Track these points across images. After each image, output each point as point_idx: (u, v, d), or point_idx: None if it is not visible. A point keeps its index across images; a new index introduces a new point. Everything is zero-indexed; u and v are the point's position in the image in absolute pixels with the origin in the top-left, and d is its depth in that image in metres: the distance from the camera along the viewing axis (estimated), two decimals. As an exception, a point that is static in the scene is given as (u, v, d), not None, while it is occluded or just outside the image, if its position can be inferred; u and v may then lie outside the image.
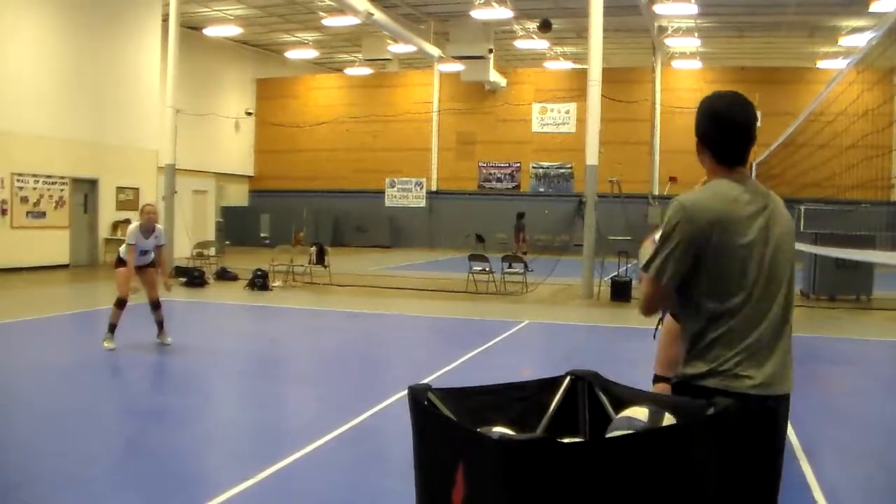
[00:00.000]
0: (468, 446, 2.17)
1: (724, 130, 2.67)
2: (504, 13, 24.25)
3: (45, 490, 4.70)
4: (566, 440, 2.33)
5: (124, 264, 9.20)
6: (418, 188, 33.13)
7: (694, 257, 2.54)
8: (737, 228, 2.54)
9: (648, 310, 2.73)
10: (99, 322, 12.56)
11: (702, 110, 2.73)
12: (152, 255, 9.38)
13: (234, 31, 28.94)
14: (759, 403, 2.50)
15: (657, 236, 2.68)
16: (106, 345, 9.00)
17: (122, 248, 9.26)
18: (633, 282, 15.21)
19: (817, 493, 4.83)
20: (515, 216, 28.35)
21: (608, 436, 2.39)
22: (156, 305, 9.36)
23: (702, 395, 2.44)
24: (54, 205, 19.73)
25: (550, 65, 32.83)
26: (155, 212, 9.53)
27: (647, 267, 2.62)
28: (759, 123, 2.75)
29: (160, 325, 9.40)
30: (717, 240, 2.52)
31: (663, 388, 3.01)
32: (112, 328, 9.07)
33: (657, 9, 23.35)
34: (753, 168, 18.59)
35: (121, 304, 9.07)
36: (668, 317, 3.07)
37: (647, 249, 4.01)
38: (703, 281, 2.55)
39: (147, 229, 9.17)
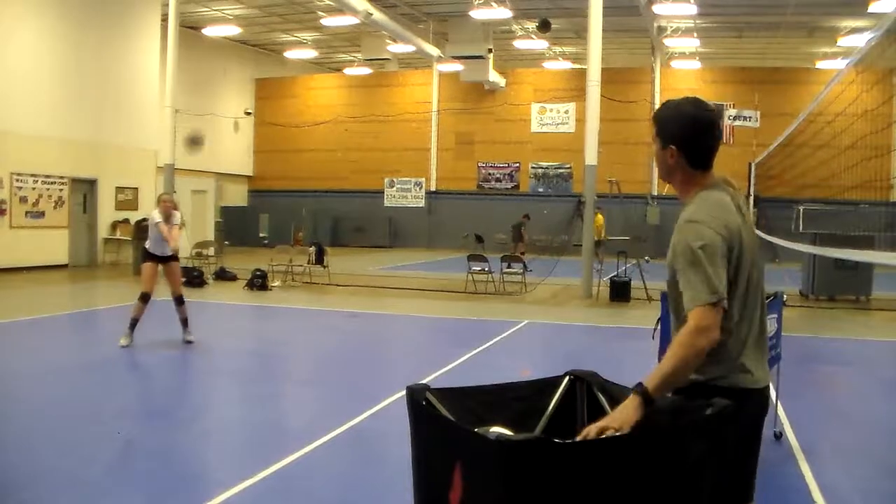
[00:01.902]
0: (465, 446, 2.17)
1: (707, 134, 2.71)
2: (503, 13, 24.26)
3: (45, 490, 4.70)
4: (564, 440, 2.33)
5: (150, 258, 9.38)
6: (417, 188, 33.13)
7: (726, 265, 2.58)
8: (741, 237, 2.62)
9: (712, 340, 2.47)
10: (99, 322, 12.59)
11: (676, 118, 2.72)
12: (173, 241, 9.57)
13: (233, 30, 28.93)
14: (760, 396, 2.66)
15: (680, 264, 2.59)
16: (122, 341, 9.08)
17: (148, 243, 9.44)
18: (633, 282, 15.23)
19: (816, 495, 4.82)
20: (524, 217, 27.99)
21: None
22: (179, 301, 9.49)
23: (713, 395, 2.44)
24: (53, 205, 19.72)
25: (549, 65, 32.84)
26: (172, 201, 9.67)
27: (706, 296, 2.47)
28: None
29: (184, 322, 9.52)
30: (735, 250, 2.59)
31: None
32: (133, 324, 9.17)
33: (656, 9, 23.36)
34: (752, 168, 18.61)
35: (145, 297, 9.19)
36: None
37: None
38: None
39: (166, 218, 9.33)
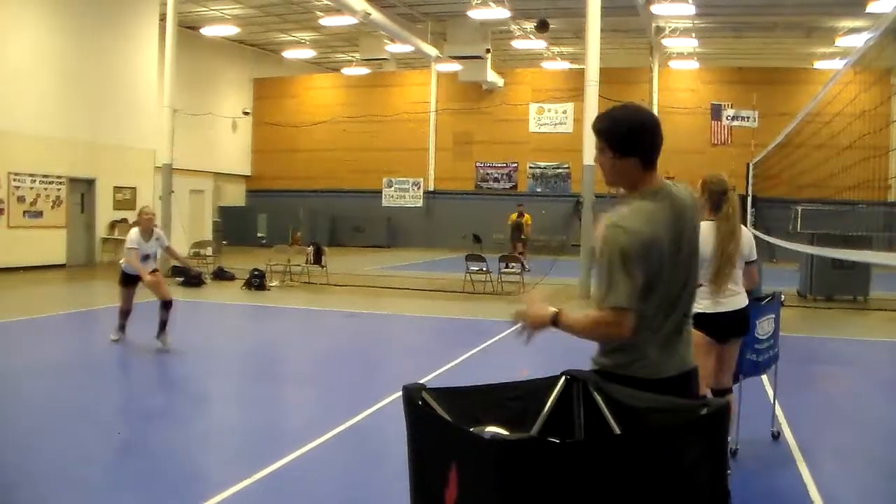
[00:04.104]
0: (461, 446, 2.17)
1: (654, 135, 2.86)
2: (501, 13, 24.24)
3: (45, 490, 4.70)
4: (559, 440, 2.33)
5: (128, 280, 9.28)
6: (415, 188, 33.12)
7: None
8: (664, 247, 2.79)
9: (616, 336, 2.82)
10: (96, 322, 12.56)
11: (637, 128, 2.85)
12: (154, 260, 9.48)
13: (231, 30, 28.90)
14: (663, 386, 2.76)
15: (603, 262, 2.78)
16: (112, 337, 9.33)
17: (123, 261, 9.36)
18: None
19: (814, 494, 4.82)
20: (518, 206, 27.98)
21: None
22: (167, 304, 9.17)
23: (620, 383, 2.68)
24: (51, 204, 19.71)
25: (548, 65, 32.83)
26: (152, 215, 9.52)
27: (615, 301, 2.70)
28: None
29: (163, 325, 9.10)
30: (655, 259, 2.77)
31: None
32: (122, 327, 9.39)
33: (654, 9, 23.35)
34: (750, 169, 18.60)
35: (124, 314, 9.37)
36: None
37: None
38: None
39: (146, 233, 9.20)
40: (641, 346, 2.76)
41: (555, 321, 2.78)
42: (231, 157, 33.38)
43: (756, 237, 6.27)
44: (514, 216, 26.16)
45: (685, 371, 2.86)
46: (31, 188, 19.14)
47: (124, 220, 21.22)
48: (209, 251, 19.82)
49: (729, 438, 2.81)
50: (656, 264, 2.72)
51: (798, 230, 18.09)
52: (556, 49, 31.45)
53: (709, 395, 4.62)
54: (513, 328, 2.88)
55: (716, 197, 4.82)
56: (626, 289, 2.65)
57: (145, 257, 9.22)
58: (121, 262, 9.35)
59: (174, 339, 9.35)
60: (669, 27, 26.39)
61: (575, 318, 2.77)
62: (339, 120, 33.07)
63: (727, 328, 4.88)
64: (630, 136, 2.82)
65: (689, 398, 2.75)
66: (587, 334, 2.78)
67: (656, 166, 2.87)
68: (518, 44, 29.32)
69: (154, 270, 9.41)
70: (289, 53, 32.89)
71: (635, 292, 2.66)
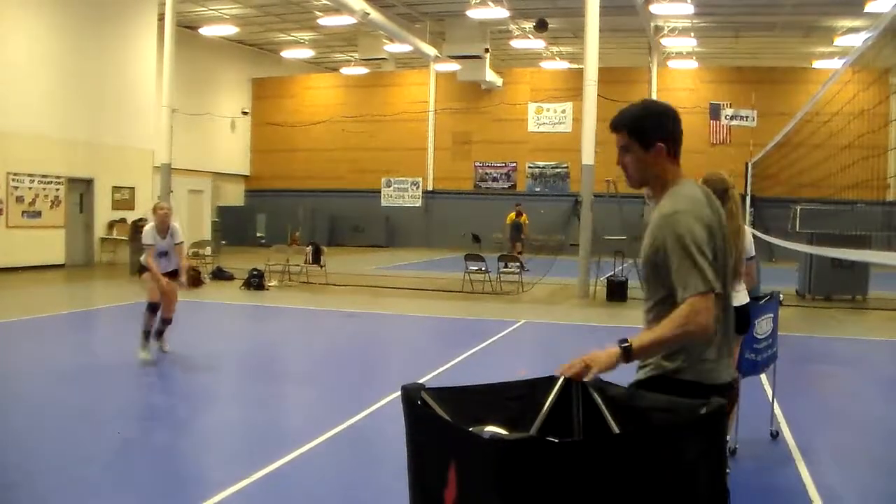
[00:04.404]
0: (460, 446, 2.17)
1: (676, 123, 2.83)
2: (500, 13, 24.24)
3: (45, 490, 4.70)
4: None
5: (147, 270, 8.73)
6: (414, 188, 33.12)
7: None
8: (720, 229, 2.72)
9: (710, 327, 2.58)
10: (95, 322, 12.57)
11: (660, 115, 2.82)
12: (174, 259, 8.88)
13: (230, 30, 28.89)
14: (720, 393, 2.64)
15: (674, 258, 2.67)
16: (142, 355, 8.52)
17: (143, 257, 8.80)
18: (629, 281, 15.22)
19: (813, 494, 4.83)
20: (517, 206, 28.05)
21: None
22: (167, 321, 8.90)
23: (681, 390, 2.56)
24: (50, 204, 19.70)
25: (546, 64, 32.83)
26: (169, 211, 8.92)
27: (701, 285, 2.54)
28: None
29: (159, 333, 8.94)
30: (718, 241, 2.68)
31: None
32: (147, 335, 8.64)
33: (653, 9, 23.36)
34: (749, 168, 18.62)
35: (153, 308, 8.66)
36: None
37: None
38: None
39: (162, 229, 8.74)
40: (701, 346, 2.64)
41: (627, 354, 2.55)
42: (230, 157, 33.37)
43: (755, 237, 6.27)
44: (512, 216, 26.21)
45: (734, 378, 2.76)
46: (30, 188, 19.13)
47: (123, 220, 21.22)
48: (208, 251, 19.81)
49: (728, 437, 2.81)
50: (719, 248, 2.66)
51: (797, 230, 18.05)
52: (554, 49, 31.45)
53: None
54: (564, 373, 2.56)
55: (717, 195, 4.82)
56: (706, 271, 2.54)
57: (163, 255, 8.78)
58: (142, 258, 8.84)
59: (172, 339, 9.29)
60: (668, 27, 26.40)
61: (651, 336, 2.59)
62: (337, 120, 33.07)
63: None
64: (654, 125, 2.77)
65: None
66: (675, 339, 2.56)
67: (679, 161, 2.81)
68: (517, 43, 29.33)
69: (173, 272, 8.87)
70: (287, 53, 32.89)
71: (714, 273, 2.56)
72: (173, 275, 8.85)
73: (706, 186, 2.89)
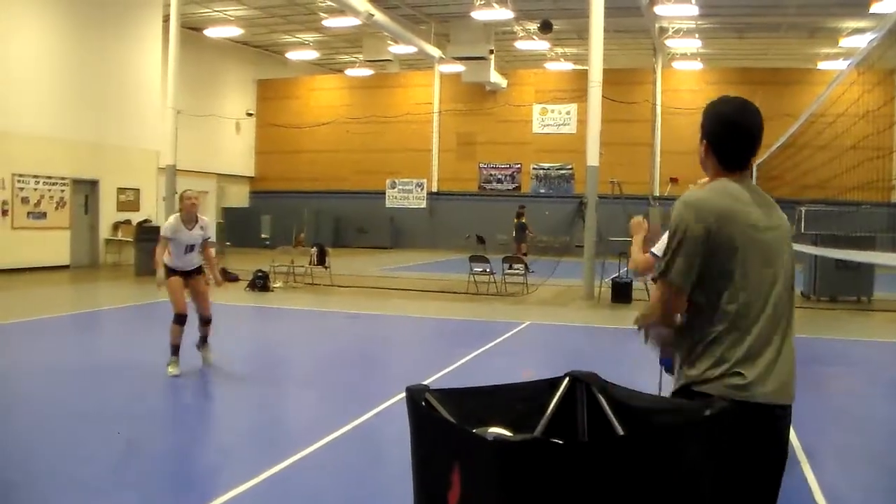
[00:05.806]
0: (463, 447, 2.17)
1: (734, 136, 2.66)
2: (505, 14, 24.24)
3: (45, 490, 4.70)
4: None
5: (173, 273, 7.88)
6: (419, 189, 33.14)
7: (703, 255, 2.53)
8: (740, 227, 2.54)
9: (664, 316, 2.64)
10: (99, 323, 12.59)
11: (711, 114, 2.72)
12: (198, 254, 8.03)
13: (234, 31, 28.94)
14: (762, 411, 2.49)
15: (661, 241, 2.69)
16: (170, 370, 7.76)
17: (165, 256, 7.91)
18: (634, 283, 15.21)
19: (818, 496, 4.81)
20: (520, 208, 27.98)
21: None
22: (206, 321, 8.17)
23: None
24: (55, 205, 19.74)
25: (551, 66, 32.82)
26: (197, 200, 7.93)
27: (662, 271, 2.57)
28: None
29: (204, 339, 8.30)
30: (723, 237, 2.52)
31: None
32: (175, 350, 7.82)
33: (658, 10, 23.33)
34: (755, 169, 18.58)
35: (180, 319, 7.79)
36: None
37: (635, 253, 4.02)
38: (706, 279, 2.54)
39: (189, 219, 7.79)
40: (724, 352, 2.59)
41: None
42: (234, 159, 33.43)
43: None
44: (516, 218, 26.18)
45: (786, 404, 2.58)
46: (35, 189, 19.17)
47: (128, 222, 21.25)
48: (213, 252, 19.78)
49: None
50: (726, 244, 2.62)
51: (802, 231, 18.02)
52: (559, 50, 31.44)
53: None
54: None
55: None
56: (673, 262, 2.60)
57: (188, 249, 7.91)
58: (164, 258, 7.94)
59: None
60: (673, 28, 26.37)
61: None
62: (342, 121, 33.10)
63: None
64: (704, 122, 2.73)
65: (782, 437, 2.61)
66: (650, 313, 2.77)
67: (737, 170, 2.67)
68: (521, 45, 29.33)
69: (198, 270, 8.13)
70: (292, 54, 32.93)
71: (685, 268, 2.60)
72: (196, 272, 8.11)
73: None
